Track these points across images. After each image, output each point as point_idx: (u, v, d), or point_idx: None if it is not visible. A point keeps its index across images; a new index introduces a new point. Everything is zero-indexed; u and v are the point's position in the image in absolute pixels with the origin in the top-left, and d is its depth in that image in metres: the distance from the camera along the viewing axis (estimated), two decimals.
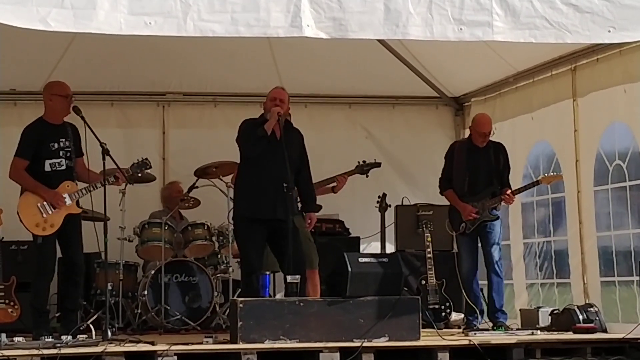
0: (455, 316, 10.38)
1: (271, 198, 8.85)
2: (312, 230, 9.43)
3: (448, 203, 11.50)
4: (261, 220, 8.91)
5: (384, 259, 8.66)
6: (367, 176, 10.32)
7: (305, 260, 9.13)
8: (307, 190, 9.23)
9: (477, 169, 10.08)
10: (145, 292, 10.25)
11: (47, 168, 8.99)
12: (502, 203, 10.11)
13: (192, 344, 8.09)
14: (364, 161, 10.36)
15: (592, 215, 9.87)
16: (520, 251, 11.12)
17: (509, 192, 10.03)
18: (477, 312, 9.96)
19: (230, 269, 10.66)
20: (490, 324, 9.90)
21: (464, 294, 10.02)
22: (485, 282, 10.12)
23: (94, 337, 8.25)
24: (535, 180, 10.28)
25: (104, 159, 9.12)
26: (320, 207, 9.64)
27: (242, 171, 9.14)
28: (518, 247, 11.12)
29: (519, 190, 10.22)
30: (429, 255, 10.31)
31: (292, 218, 8.72)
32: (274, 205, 8.85)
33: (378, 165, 10.33)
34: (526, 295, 11.02)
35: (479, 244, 10.08)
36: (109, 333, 8.58)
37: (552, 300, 10.58)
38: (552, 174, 10.22)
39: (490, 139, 10.14)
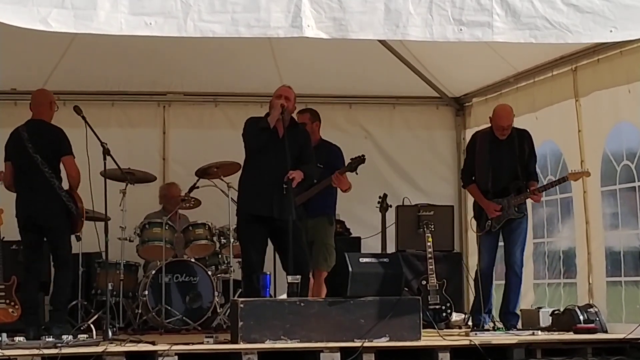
0: (456, 316, 10.38)
1: (269, 196, 8.89)
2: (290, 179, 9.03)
3: (448, 203, 11.53)
4: (260, 218, 8.94)
5: (385, 259, 8.66)
6: (357, 173, 10.20)
7: (307, 260, 9.17)
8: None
9: (500, 164, 9.77)
10: (146, 292, 10.25)
11: None
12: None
13: (193, 344, 8.08)
14: (352, 158, 10.23)
15: (599, 216, 9.83)
16: (530, 251, 11.05)
17: (534, 189, 9.70)
18: (487, 311, 9.84)
19: (231, 269, 10.67)
20: (491, 324, 9.88)
21: (478, 291, 9.84)
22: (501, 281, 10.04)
23: (94, 337, 8.25)
24: (562, 177, 9.90)
25: (104, 159, 9.17)
26: (312, 174, 9.46)
27: (245, 168, 9.23)
28: (528, 246, 11.04)
29: (545, 188, 9.93)
30: (429, 256, 10.30)
31: (291, 218, 8.75)
32: (271, 204, 8.88)
33: (362, 159, 10.13)
34: (532, 295, 10.97)
35: (500, 242, 9.88)
36: (110, 333, 8.60)
37: (559, 300, 10.54)
38: (580, 170, 9.80)
39: (515, 126, 9.80)
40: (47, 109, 9.24)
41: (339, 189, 10.19)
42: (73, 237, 9.29)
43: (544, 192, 9.94)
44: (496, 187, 9.80)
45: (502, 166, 9.81)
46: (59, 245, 9.13)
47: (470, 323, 10.28)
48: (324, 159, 10.03)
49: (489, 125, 9.92)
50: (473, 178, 9.99)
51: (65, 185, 9.16)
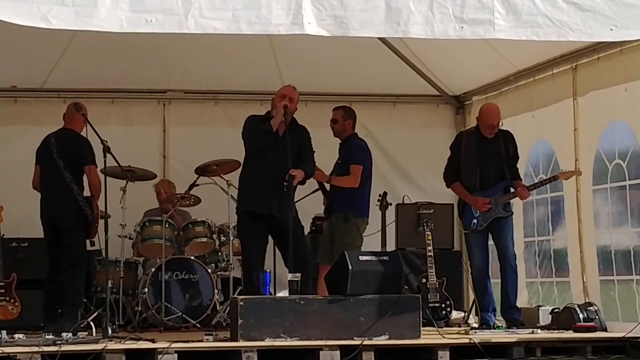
0: (456, 314, 10.37)
1: (269, 194, 8.90)
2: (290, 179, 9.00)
3: (448, 201, 11.50)
4: (260, 215, 8.95)
5: (385, 257, 8.66)
6: None
7: (308, 257, 9.18)
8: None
9: (487, 162, 9.73)
10: (146, 290, 10.25)
11: None
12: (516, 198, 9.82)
13: (193, 341, 8.11)
14: None
15: (591, 214, 9.84)
16: (520, 250, 11.07)
17: (525, 186, 9.72)
18: (490, 310, 9.76)
19: (231, 266, 10.67)
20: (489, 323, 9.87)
21: (475, 292, 9.84)
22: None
23: (94, 334, 8.25)
24: (552, 175, 9.92)
25: (104, 156, 9.17)
26: (312, 172, 9.46)
27: (245, 166, 9.24)
28: (519, 245, 11.06)
29: (535, 186, 9.95)
30: (429, 254, 10.29)
31: (291, 215, 8.76)
32: (270, 201, 8.90)
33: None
34: (526, 294, 10.99)
35: (490, 240, 9.84)
36: (110, 330, 8.59)
37: (552, 298, 10.56)
38: (570, 169, 9.80)
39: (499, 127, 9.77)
40: (79, 121, 9.48)
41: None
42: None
43: (532, 191, 9.94)
44: (484, 185, 9.76)
45: (490, 164, 9.77)
46: (72, 245, 9.44)
47: (470, 321, 10.29)
48: (342, 156, 10.10)
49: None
50: (457, 177, 9.92)
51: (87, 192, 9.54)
